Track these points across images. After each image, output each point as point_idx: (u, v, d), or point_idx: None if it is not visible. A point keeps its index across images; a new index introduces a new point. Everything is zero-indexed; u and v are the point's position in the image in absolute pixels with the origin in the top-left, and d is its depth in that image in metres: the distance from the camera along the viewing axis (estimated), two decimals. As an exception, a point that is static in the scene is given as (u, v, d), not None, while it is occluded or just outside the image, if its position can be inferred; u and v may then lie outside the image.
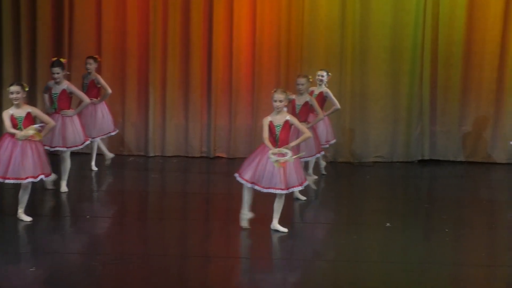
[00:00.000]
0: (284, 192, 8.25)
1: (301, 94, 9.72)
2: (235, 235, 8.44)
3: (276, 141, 8.27)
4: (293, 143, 8.38)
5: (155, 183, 11.37)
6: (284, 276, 7.33)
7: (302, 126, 8.56)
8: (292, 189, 8.35)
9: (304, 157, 9.73)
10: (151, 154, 12.64)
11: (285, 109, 8.43)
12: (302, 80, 9.70)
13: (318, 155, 10.14)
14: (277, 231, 8.36)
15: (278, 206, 8.37)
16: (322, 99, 10.77)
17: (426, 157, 12.52)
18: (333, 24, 12.33)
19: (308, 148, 9.70)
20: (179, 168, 12.06)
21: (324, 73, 10.84)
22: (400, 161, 12.48)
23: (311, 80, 9.86)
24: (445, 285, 7.16)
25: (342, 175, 11.78)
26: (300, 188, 8.49)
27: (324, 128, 10.77)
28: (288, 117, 8.35)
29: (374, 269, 7.49)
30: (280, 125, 8.27)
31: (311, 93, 10.73)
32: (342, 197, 10.45)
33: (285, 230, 8.36)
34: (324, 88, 10.81)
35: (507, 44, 12.23)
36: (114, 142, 12.49)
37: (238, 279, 7.28)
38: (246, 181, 8.26)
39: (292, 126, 8.42)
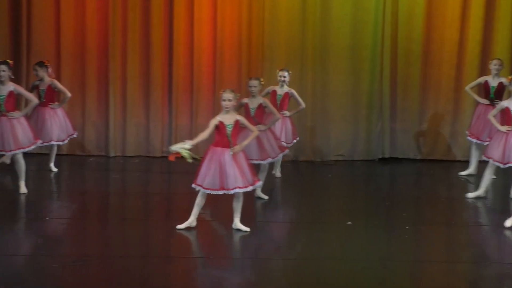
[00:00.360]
0: (246, 190, 8.28)
1: (254, 96, 9.69)
2: (197, 235, 8.43)
3: (229, 141, 8.27)
4: (244, 142, 8.40)
5: (116, 183, 11.32)
6: (246, 275, 7.36)
7: (251, 126, 8.55)
8: (251, 187, 8.36)
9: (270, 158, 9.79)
10: (112, 154, 12.58)
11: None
12: (254, 82, 9.67)
13: (284, 153, 10.15)
14: (239, 230, 8.39)
15: (237, 205, 8.39)
16: (288, 99, 10.85)
17: (387, 155, 12.62)
18: (294, 23, 12.38)
19: (273, 149, 9.74)
20: (140, 168, 12.01)
21: (286, 73, 10.88)
22: (361, 160, 12.57)
23: (262, 82, 9.86)
24: (406, 282, 7.25)
25: (303, 174, 11.83)
26: (253, 187, 8.49)
27: (290, 127, 10.85)
28: (238, 117, 8.37)
29: (335, 266, 7.54)
30: (231, 124, 8.29)
31: (273, 93, 10.80)
32: (304, 195, 10.50)
33: (247, 229, 8.39)
34: (289, 88, 10.86)
35: (464, 43, 12.38)
36: (74, 142, 12.42)
37: (200, 279, 7.29)
38: (211, 189, 8.26)
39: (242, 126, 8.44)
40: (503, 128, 9.61)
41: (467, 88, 11.27)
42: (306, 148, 12.45)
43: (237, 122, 8.32)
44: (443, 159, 12.49)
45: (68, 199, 10.15)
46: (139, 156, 12.58)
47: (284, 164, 11.66)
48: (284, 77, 10.84)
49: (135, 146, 12.61)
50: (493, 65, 11.01)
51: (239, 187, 8.25)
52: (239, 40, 12.43)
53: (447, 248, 8.32)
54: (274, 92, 10.83)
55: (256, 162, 9.48)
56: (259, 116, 9.67)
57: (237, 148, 8.27)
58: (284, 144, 10.80)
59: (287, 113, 10.85)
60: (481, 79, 11.17)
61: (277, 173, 11.10)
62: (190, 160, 8.05)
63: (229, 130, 8.26)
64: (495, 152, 9.63)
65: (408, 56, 12.50)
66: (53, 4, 12.40)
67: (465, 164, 11.48)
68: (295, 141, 11.01)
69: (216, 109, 12.42)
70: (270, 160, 9.75)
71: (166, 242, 8.26)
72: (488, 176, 9.88)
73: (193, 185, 8.34)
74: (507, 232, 8.56)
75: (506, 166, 9.63)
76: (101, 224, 8.96)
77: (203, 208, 8.51)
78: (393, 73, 12.54)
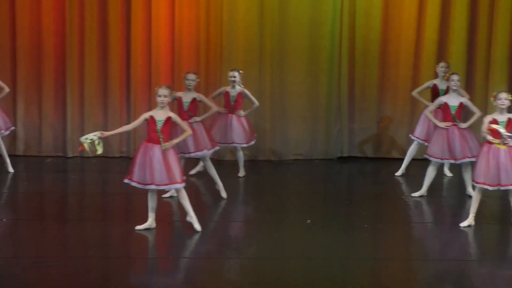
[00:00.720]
0: (172, 187, 8.32)
1: (189, 90, 9.86)
2: (156, 235, 8.41)
3: (159, 137, 8.24)
4: (175, 140, 8.39)
5: (74, 184, 11.23)
6: (205, 274, 7.35)
7: (184, 125, 8.55)
8: (174, 185, 8.32)
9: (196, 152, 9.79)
10: (70, 155, 12.46)
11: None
12: (192, 76, 9.88)
13: (216, 148, 10.17)
14: (194, 227, 8.38)
15: (184, 202, 8.38)
16: (241, 99, 10.88)
17: (345, 154, 12.70)
18: (252, 23, 12.38)
19: (205, 142, 9.82)
20: (99, 168, 11.92)
21: (236, 73, 10.88)
22: (320, 159, 12.63)
23: (198, 79, 9.99)
24: (365, 279, 7.30)
25: (263, 173, 11.85)
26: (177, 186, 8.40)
27: (248, 127, 10.86)
28: (171, 114, 8.36)
29: (295, 265, 7.57)
30: (162, 120, 8.27)
31: (226, 94, 10.83)
32: (263, 194, 10.52)
33: (198, 228, 8.38)
34: (241, 88, 10.88)
35: (421, 43, 12.50)
36: (32, 143, 12.34)
37: (159, 279, 7.26)
38: (141, 183, 8.24)
39: (174, 124, 8.44)
40: (442, 124, 9.77)
41: (414, 93, 11.29)
42: (265, 148, 12.47)
43: (169, 119, 8.30)
44: (400, 157, 12.58)
45: (26, 200, 10.03)
46: (97, 157, 12.45)
47: (243, 163, 11.73)
48: (235, 77, 10.85)
49: (93, 146, 12.51)
50: (440, 68, 11.05)
51: (165, 184, 8.25)
52: (197, 41, 12.40)
53: (405, 246, 8.41)
54: (227, 93, 10.85)
55: (193, 155, 9.58)
56: (193, 110, 9.81)
57: (167, 144, 8.25)
58: (244, 145, 10.88)
59: (242, 113, 10.89)
60: (429, 83, 11.16)
61: (241, 172, 11.13)
62: (89, 151, 8.09)
63: (159, 125, 8.24)
64: (439, 151, 9.76)
65: (366, 57, 12.58)
66: (8, 4, 12.24)
67: (422, 162, 11.55)
68: (253, 142, 11.03)
69: (175, 109, 12.39)
70: (205, 151, 9.78)
71: (125, 242, 8.22)
72: (431, 175, 9.98)
73: (125, 180, 8.32)
74: (464, 229, 8.68)
75: (459, 162, 9.77)
76: (59, 225, 8.88)
77: (160, 208, 8.48)
78: (351, 74, 12.61)
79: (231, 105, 10.82)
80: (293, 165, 12.28)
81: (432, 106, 10.03)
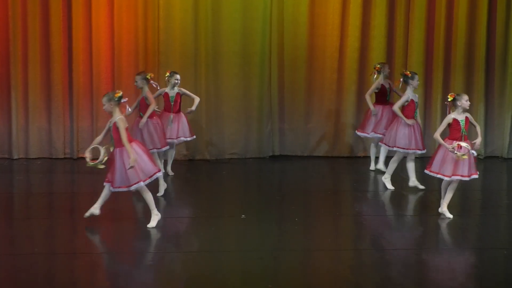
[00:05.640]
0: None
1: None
2: (100, 232, 8.33)
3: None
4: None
5: (20, 184, 11.01)
6: (148, 269, 7.31)
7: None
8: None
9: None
10: (15, 157, 12.24)
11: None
12: (177, 76, 10.63)
13: (165, 148, 10.29)
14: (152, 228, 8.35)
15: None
16: (180, 97, 10.87)
17: (277, 153, 12.77)
18: (187, 31, 12.35)
19: (153, 142, 9.98)
20: (44, 169, 11.72)
21: (179, 76, 10.87)
22: (253, 157, 12.67)
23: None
24: (296, 269, 7.36)
25: (200, 172, 11.83)
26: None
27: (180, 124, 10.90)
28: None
29: (231, 258, 7.59)
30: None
31: (165, 95, 10.76)
32: (200, 192, 10.50)
33: (152, 225, 8.36)
34: (178, 89, 10.84)
35: (344, 49, 12.65)
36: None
37: (104, 274, 7.19)
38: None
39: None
40: (410, 122, 10.05)
41: (367, 95, 11.29)
42: (201, 148, 12.45)
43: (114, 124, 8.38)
44: (327, 155, 12.73)
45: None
46: (42, 158, 12.29)
47: (181, 162, 11.68)
48: (179, 80, 10.83)
49: (38, 148, 12.32)
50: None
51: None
52: (135, 48, 12.31)
53: (333, 237, 8.50)
54: (166, 94, 10.81)
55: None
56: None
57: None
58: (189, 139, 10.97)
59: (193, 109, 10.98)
60: (377, 84, 11.23)
61: (170, 170, 11.11)
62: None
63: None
64: (407, 142, 10.07)
65: (294, 61, 12.67)
66: (-47, 14, 11.97)
67: (347, 160, 11.68)
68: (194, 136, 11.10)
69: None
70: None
71: (71, 239, 8.11)
72: (410, 165, 10.17)
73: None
74: (389, 221, 8.81)
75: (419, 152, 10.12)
76: (6, 224, 8.71)
77: (106, 206, 8.40)
78: (281, 78, 12.69)
79: (171, 105, 10.80)
80: (228, 164, 12.29)
81: (400, 103, 10.24)
